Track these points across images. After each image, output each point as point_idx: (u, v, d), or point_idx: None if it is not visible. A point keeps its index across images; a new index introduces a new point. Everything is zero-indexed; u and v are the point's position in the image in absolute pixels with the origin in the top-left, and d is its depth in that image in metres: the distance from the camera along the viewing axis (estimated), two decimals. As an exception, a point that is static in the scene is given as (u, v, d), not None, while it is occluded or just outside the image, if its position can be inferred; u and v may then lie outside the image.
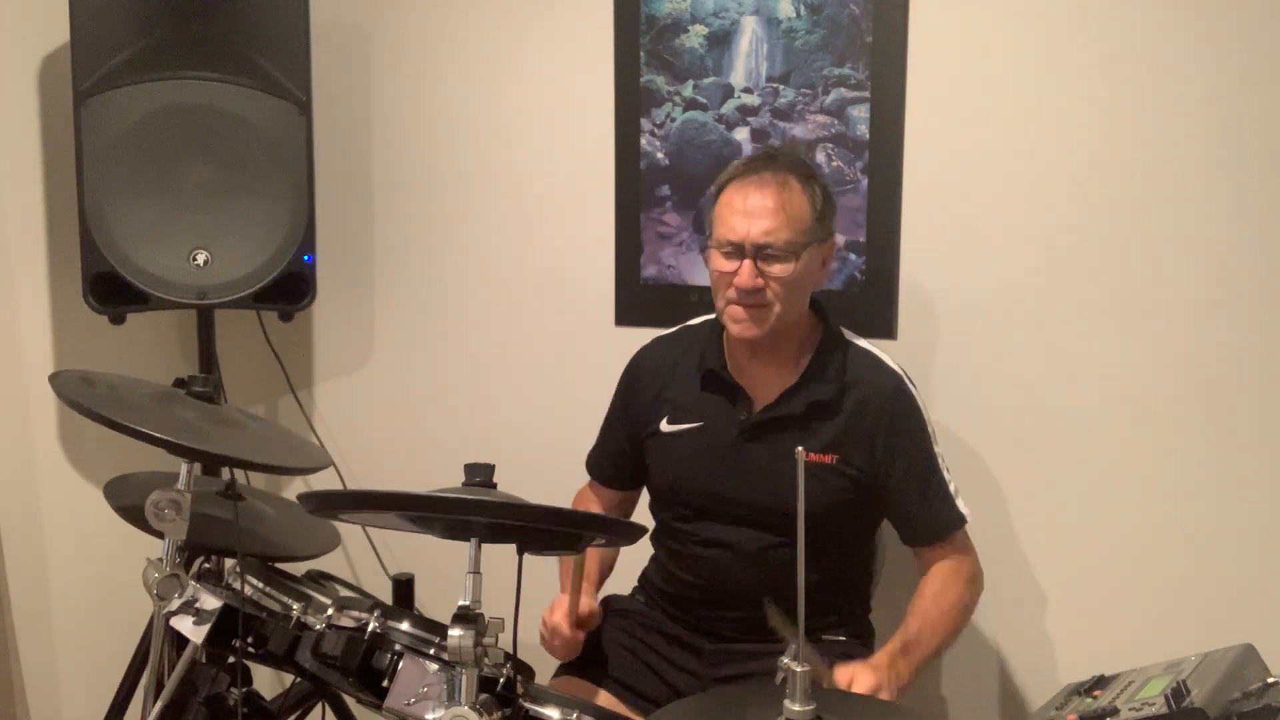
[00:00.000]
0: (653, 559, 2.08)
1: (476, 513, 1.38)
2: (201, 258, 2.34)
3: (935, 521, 1.90)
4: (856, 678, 1.65)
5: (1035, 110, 2.15)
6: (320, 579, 1.85)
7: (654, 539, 2.04)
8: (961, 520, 1.91)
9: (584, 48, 2.46)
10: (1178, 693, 1.39)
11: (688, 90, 2.38)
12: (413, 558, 2.38)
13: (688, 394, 1.97)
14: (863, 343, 1.96)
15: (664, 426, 1.97)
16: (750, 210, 1.81)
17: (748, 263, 1.81)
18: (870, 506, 1.93)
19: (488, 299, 2.63)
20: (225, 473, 2.00)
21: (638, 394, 2.03)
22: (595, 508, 2.13)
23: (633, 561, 2.10)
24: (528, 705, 1.49)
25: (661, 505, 2.03)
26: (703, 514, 1.94)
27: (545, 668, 1.91)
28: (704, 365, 1.96)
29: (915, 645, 1.79)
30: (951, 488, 1.91)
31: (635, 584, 2.11)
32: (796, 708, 1.23)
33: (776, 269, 1.81)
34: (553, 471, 2.22)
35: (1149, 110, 2.09)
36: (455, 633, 1.36)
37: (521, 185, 2.57)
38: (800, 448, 1.25)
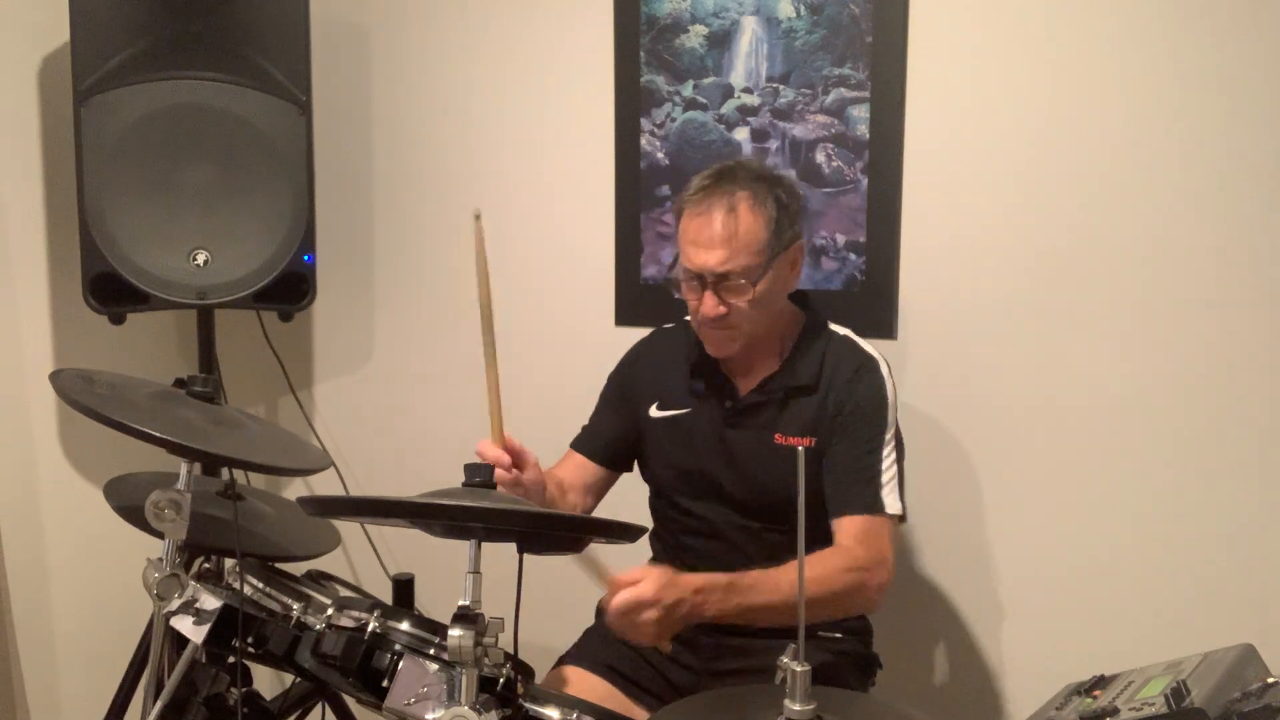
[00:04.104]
0: (650, 561, 2.08)
1: (474, 519, 1.38)
2: (201, 258, 2.34)
3: (847, 494, 1.83)
4: (640, 582, 1.59)
5: (1035, 110, 2.15)
6: (320, 579, 1.84)
7: (650, 536, 2.06)
8: (875, 506, 1.82)
9: (584, 48, 2.46)
10: (1178, 693, 1.39)
11: (688, 90, 2.38)
12: (413, 558, 2.37)
13: (677, 383, 2.00)
14: (845, 331, 1.98)
15: (653, 412, 2.01)
16: (702, 241, 1.82)
17: (709, 293, 1.83)
18: None
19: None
20: (225, 473, 2.00)
21: (634, 382, 2.07)
22: (563, 476, 2.03)
23: (632, 562, 2.10)
24: (528, 705, 1.49)
25: (655, 494, 2.06)
26: (691, 500, 1.97)
27: (545, 665, 1.92)
28: (692, 355, 1.99)
29: (741, 590, 1.67)
30: (884, 476, 1.84)
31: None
32: (796, 708, 1.23)
33: (737, 296, 1.82)
34: (553, 471, 2.21)
35: (1149, 110, 2.08)
36: (455, 633, 1.35)
37: (521, 185, 2.57)
38: (801, 447, 1.25)
